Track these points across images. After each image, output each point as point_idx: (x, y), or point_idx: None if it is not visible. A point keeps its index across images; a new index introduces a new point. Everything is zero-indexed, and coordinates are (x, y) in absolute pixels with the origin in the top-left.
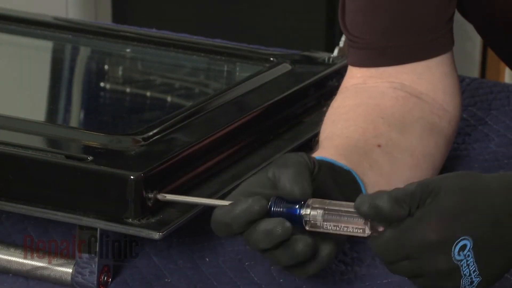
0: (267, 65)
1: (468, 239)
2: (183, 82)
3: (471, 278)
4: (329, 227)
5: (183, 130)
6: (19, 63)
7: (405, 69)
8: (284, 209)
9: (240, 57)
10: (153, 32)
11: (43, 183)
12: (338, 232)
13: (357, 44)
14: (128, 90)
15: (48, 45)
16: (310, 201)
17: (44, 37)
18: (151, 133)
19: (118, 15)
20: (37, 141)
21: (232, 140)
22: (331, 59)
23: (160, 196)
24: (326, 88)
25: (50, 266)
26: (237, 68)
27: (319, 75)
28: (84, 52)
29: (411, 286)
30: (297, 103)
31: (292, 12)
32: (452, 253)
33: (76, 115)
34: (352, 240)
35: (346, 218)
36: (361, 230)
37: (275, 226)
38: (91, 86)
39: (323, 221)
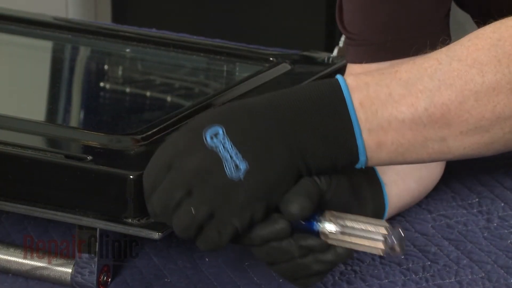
0: (267, 65)
1: (219, 126)
2: (183, 82)
3: (235, 162)
4: (346, 240)
5: None
6: (19, 63)
7: None
8: (301, 222)
9: (240, 57)
10: (153, 32)
11: (43, 183)
12: (354, 248)
13: (356, 41)
14: (127, 90)
15: (47, 45)
16: (327, 214)
17: (44, 37)
18: (150, 133)
19: (118, 15)
20: (36, 141)
21: None
22: (330, 59)
23: None
24: None
25: (49, 266)
26: (237, 68)
27: (319, 75)
28: (83, 52)
29: (413, 286)
30: None
31: (291, 12)
32: (205, 139)
33: (76, 115)
34: None
35: (363, 234)
36: (378, 250)
37: (309, 238)
38: (91, 86)
39: (340, 235)
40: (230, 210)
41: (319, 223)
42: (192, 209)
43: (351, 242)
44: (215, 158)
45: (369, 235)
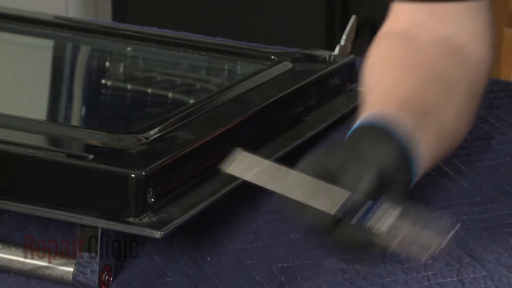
0: (268, 63)
1: None
2: (184, 80)
3: None
4: (403, 232)
5: (184, 129)
6: (19, 62)
7: (451, 16)
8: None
9: (241, 55)
10: (154, 30)
11: (44, 182)
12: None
13: None
14: (129, 88)
15: (48, 43)
16: (387, 201)
17: (44, 36)
18: (152, 132)
19: (118, 14)
20: (38, 140)
21: (233, 138)
22: (332, 57)
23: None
24: (327, 86)
25: (51, 266)
26: (238, 67)
27: (320, 73)
28: (84, 51)
29: (415, 284)
30: (298, 101)
31: (293, 10)
32: None
33: (77, 114)
34: None
35: (420, 228)
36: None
37: None
38: (92, 85)
39: (395, 227)
40: None
41: (381, 206)
42: None
43: (406, 234)
44: None
45: (426, 230)
